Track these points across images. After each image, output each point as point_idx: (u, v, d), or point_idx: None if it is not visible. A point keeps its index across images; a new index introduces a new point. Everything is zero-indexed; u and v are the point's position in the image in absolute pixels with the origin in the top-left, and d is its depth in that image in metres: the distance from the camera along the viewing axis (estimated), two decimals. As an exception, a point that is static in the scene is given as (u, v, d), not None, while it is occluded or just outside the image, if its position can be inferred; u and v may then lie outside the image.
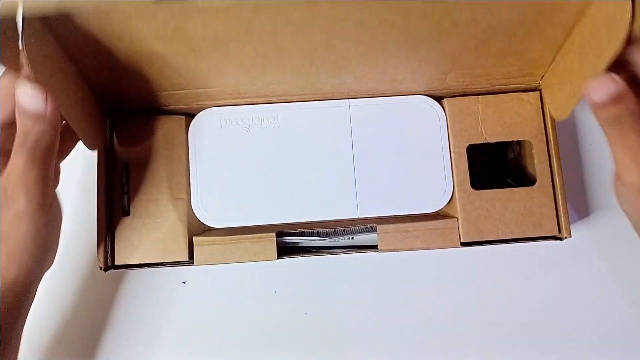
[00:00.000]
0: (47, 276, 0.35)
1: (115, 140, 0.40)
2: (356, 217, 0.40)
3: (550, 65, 0.39)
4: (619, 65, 0.30)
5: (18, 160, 0.30)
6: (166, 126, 0.41)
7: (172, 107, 0.41)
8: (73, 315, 0.45)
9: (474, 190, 0.40)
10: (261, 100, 0.41)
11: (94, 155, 0.39)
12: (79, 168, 0.43)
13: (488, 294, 0.45)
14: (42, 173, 0.31)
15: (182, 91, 0.39)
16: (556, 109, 0.39)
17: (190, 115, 0.41)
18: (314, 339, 0.45)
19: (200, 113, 0.41)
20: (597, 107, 0.31)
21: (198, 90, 0.40)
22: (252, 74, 0.38)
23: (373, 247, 0.40)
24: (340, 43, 0.35)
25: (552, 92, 0.39)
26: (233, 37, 0.34)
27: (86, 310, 0.45)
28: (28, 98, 0.29)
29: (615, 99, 0.30)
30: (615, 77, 0.30)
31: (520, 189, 0.40)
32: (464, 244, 0.39)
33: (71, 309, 0.45)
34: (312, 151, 0.41)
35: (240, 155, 0.40)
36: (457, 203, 0.39)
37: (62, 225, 0.36)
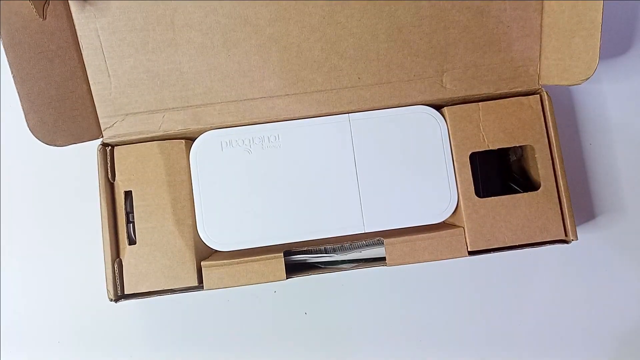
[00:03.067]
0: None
1: (116, 169, 0.40)
2: (362, 232, 0.40)
3: (540, 47, 0.40)
4: None
5: None
6: (167, 151, 0.40)
7: (171, 132, 0.40)
8: (73, 315, 0.45)
9: (479, 198, 0.40)
10: (261, 116, 0.40)
11: (95, 185, 0.39)
12: (83, 198, 0.42)
13: (496, 298, 0.45)
14: None
15: (182, 110, 0.40)
16: (579, 71, 0.37)
17: (190, 139, 0.41)
18: (314, 339, 0.46)
19: (201, 136, 0.40)
20: None
21: (198, 108, 0.40)
22: (253, 77, 0.39)
23: (380, 260, 0.40)
24: (333, 34, 0.38)
25: (563, 62, 0.39)
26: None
27: (86, 310, 0.45)
28: None
29: None
30: None
31: (525, 194, 0.39)
32: (471, 253, 0.39)
33: (71, 310, 0.45)
34: (315, 168, 0.40)
35: (243, 177, 0.40)
36: (463, 212, 0.39)
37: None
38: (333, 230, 0.40)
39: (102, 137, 0.40)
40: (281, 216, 0.40)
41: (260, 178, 0.40)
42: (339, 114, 0.41)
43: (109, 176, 0.40)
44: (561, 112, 0.41)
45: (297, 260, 0.41)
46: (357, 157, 0.40)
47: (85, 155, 0.41)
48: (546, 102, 0.40)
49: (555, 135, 0.40)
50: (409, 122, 0.41)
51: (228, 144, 0.40)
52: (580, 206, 0.45)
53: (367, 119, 0.41)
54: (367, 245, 0.41)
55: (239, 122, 0.40)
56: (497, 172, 0.45)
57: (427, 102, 0.41)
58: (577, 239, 0.39)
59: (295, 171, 0.40)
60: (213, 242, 0.40)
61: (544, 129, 0.40)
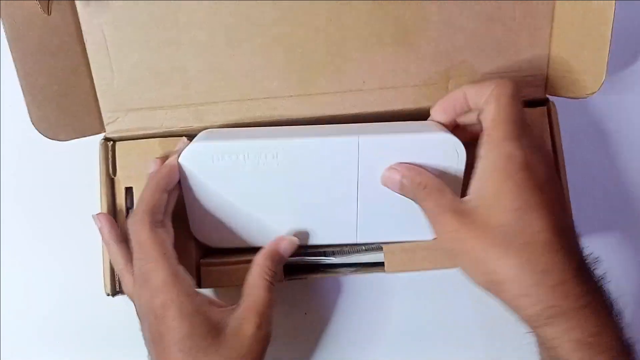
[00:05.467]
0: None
1: (117, 165, 0.40)
2: (354, 242, 0.40)
3: (549, 58, 0.39)
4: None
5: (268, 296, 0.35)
6: (168, 148, 0.40)
7: (173, 129, 0.40)
8: (72, 313, 0.46)
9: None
10: (263, 116, 0.40)
11: (95, 179, 0.40)
12: (82, 193, 0.42)
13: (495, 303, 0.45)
14: None
15: (184, 107, 0.40)
16: (586, 85, 0.37)
17: (192, 136, 0.41)
18: (314, 339, 0.46)
19: (189, 148, 0.36)
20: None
21: (201, 106, 0.39)
22: (256, 77, 0.39)
23: (379, 265, 0.40)
24: (339, 36, 0.38)
25: (570, 74, 0.38)
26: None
27: (86, 309, 0.45)
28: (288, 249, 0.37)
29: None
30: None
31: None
32: (470, 262, 0.39)
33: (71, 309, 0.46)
34: (314, 187, 0.37)
35: (234, 188, 0.37)
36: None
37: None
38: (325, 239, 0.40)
39: (105, 132, 0.40)
40: (274, 225, 0.39)
41: (253, 189, 0.37)
42: (348, 136, 0.35)
43: (110, 172, 0.40)
44: (566, 121, 0.40)
45: (295, 262, 0.41)
46: (361, 181, 0.37)
47: (85, 151, 0.41)
48: (552, 113, 0.39)
49: (559, 146, 0.39)
50: (426, 153, 0.36)
51: (220, 157, 0.36)
52: (583, 216, 0.45)
53: (379, 145, 0.36)
54: (366, 251, 0.40)
55: (241, 122, 0.40)
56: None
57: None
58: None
59: (291, 187, 0.37)
60: (205, 239, 0.40)
61: (550, 137, 0.40)
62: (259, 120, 0.40)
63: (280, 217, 0.39)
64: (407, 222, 0.38)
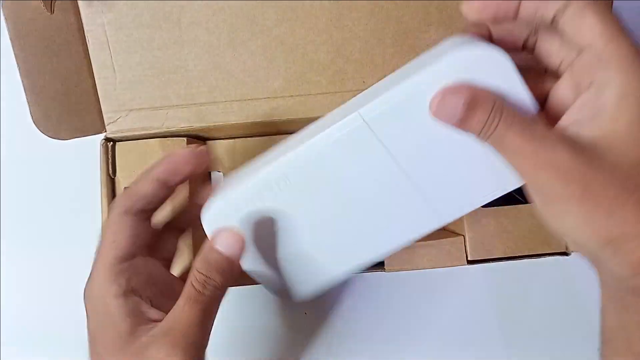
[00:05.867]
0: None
1: (117, 165, 0.40)
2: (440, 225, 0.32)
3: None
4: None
5: (190, 312, 0.28)
6: (168, 149, 0.40)
7: (174, 129, 0.40)
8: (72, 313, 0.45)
9: (482, 207, 0.39)
10: (265, 116, 0.40)
11: (96, 180, 0.39)
12: (82, 193, 0.42)
13: (494, 306, 0.45)
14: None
15: (185, 107, 0.40)
16: None
17: (193, 137, 0.41)
18: (314, 339, 0.46)
19: (205, 213, 0.31)
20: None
21: (202, 106, 0.40)
22: (258, 77, 0.39)
23: (379, 264, 0.40)
24: (340, 37, 0.38)
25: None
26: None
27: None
28: (229, 242, 0.29)
29: (470, 109, 0.25)
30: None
31: (528, 205, 0.39)
32: (470, 262, 0.39)
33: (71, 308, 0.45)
34: (351, 190, 0.30)
35: (275, 229, 0.32)
36: (465, 221, 0.39)
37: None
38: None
39: (105, 131, 0.40)
40: (336, 245, 0.32)
41: (290, 221, 0.31)
42: (347, 117, 0.28)
43: (110, 172, 0.40)
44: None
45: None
46: (397, 159, 0.29)
47: (85, 151, 0.41)
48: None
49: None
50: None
51: (237, 209, 0.31)
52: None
53: (387, 110, 0.27)
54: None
55: (242, 122, 0.40)
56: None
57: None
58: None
59: (325, 199, 0.31)
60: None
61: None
62: (260, 120, 0.40)
63: (336, 239, 0.32)
64: (480, 175, 0.30)
